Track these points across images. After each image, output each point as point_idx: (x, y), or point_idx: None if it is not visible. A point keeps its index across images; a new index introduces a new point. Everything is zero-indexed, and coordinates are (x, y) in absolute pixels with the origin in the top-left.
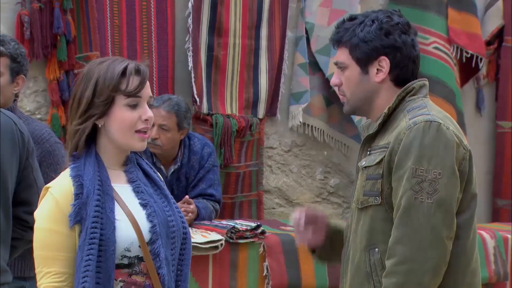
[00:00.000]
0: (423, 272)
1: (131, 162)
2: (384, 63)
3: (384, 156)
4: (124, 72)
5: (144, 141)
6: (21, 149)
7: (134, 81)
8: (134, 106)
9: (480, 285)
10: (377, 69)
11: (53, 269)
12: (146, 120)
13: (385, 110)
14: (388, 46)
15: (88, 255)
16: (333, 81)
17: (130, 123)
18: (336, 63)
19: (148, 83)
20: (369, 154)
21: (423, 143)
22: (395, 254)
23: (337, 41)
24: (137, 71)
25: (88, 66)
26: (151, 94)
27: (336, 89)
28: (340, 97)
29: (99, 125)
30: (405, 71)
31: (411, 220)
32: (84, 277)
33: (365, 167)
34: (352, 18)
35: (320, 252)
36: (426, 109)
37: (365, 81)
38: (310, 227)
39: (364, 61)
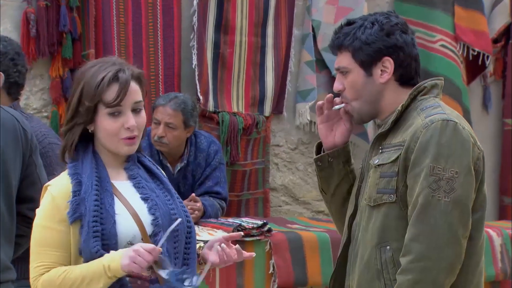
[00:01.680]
0: (438, 270)
1: (132, 159)
2: (388, 63)
3: (400, 154)
4: (103, 82)
5: (131, 146)
6: (24, 146)
7: (112, 91)
8: (116, 115)
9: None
10: (381, 70)
11: (44, 262)
12: (128, 128)
13: (399, 108)
14: (390, 46)
15: (94, 247)
16: (336, 86)
17: (112, 132)
18: (338, 68)
19: (134, 88)
20: (382, 152)
21: (441, 141)
22: (411, 252)
23: (338, 46)
24: (116, 80)
25: (82, 67)
26: (137, 100)
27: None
28: (344, 105)
29: (90, 130)
30: (408, 70)
31: (428, 218)
32: None
33: (378, 165)
34: (350, 23)
35: (333, 153)
36: (440, 108)
37: (370, 83)
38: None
39: (368, 63)
